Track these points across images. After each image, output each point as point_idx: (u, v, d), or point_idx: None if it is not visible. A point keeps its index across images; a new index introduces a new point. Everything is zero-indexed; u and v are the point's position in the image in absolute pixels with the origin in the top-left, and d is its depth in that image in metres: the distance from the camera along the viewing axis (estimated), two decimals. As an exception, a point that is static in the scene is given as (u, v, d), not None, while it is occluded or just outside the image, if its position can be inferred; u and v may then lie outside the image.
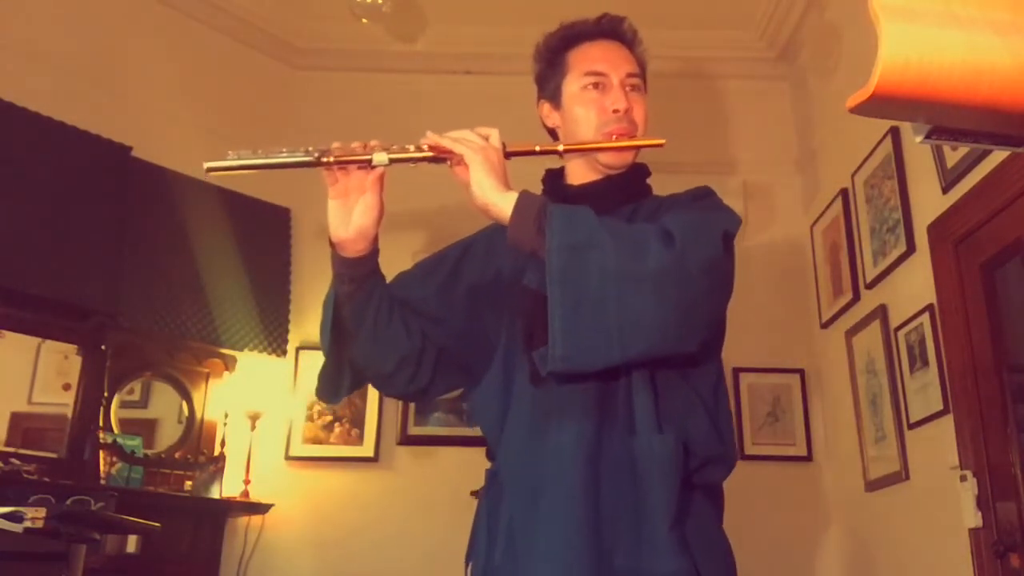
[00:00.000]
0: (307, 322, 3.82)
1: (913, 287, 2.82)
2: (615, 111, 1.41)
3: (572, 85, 1.46)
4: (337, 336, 1.40)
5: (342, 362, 1.43)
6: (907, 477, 2.85)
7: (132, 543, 3.04)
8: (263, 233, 3.81)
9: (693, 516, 1.25)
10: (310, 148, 1.25)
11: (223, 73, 3.89)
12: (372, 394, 3.71)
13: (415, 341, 1.41)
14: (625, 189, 1.45)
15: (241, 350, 3.64)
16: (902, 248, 2.87)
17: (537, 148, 1.32)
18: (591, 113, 1.43)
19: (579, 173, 1.48)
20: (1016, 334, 2.43)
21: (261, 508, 3.46)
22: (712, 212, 1.33)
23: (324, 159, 1.25)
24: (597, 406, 1.27)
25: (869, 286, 3.15)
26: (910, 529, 2.85)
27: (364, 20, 3.53)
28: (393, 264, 1.46)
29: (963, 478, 2.44)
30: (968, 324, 2.51)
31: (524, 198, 1.21)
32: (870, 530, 3.18)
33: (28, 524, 1.86)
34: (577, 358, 1.14)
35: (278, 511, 3.51)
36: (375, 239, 1.35)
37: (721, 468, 1.31)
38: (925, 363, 2.71)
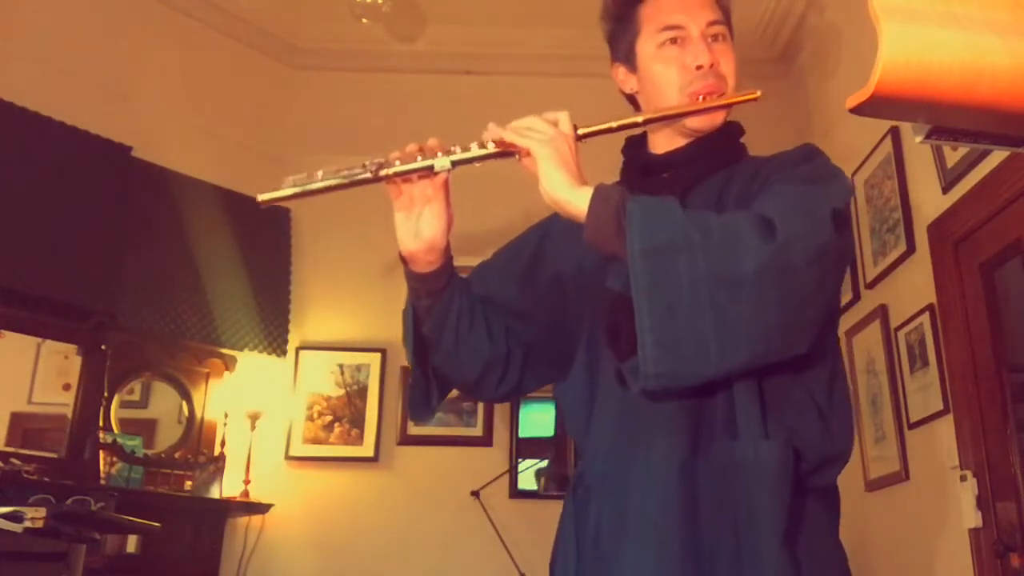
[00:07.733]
0: (307, 322, 3.82)
1: (913, 287, 2.82)
2: (699, 67, 1.25)
3: (647, 44, 1.28)
4: (420, 350, 1.31)
5: (428, 375, 1.34)
6: (907, 477, 2.85)
7: (132, 543, 3.04)
8: (263, 233, 3.81)
9: (806, 528, 1.13)
10: (367, 163, 1.15)
11: (223, 73, 3.89)
12: (372, 394, 3.72)
13: (499, 344, 1.31)
14: (716, 154, 1.28)
15: (241, 350, 3.64)
16: (902, 248, 2.87)
17: (614, 125, 1.18)
18: (672, 72, 1.26)
19: (663, 140, 1.30)
20: (1016, 334, 2.43)
21: (261, 508, 3.47)
22: (819, 185, 1.13)
23: (383, 172, 1.15)
24: (695, 406, 1.14)
25: (869, 286, 3.15)
26: (910, 529, 2.85)
27: (364, 20, 3.53)
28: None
29: (963, 478, 2.44)
30: (968, 324, 2.51)
31: (600, 194, 1.06)
32: (870, 530, 3.17)
33: (28, 524, 1.86)
34: (671, 376, 1.02)
35: (278, 511, 3.51)
36: (447, 249, 1.25)
37: (835, 468, 1.21)
38: (925, 363, 2.71)
